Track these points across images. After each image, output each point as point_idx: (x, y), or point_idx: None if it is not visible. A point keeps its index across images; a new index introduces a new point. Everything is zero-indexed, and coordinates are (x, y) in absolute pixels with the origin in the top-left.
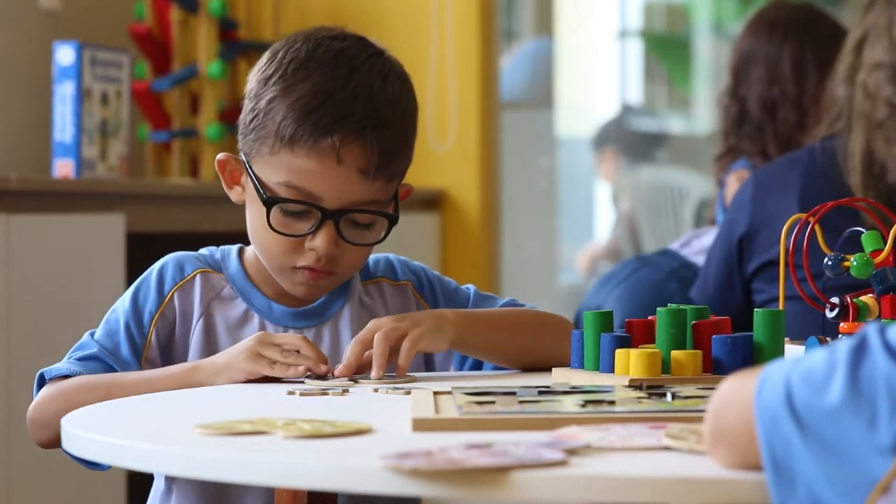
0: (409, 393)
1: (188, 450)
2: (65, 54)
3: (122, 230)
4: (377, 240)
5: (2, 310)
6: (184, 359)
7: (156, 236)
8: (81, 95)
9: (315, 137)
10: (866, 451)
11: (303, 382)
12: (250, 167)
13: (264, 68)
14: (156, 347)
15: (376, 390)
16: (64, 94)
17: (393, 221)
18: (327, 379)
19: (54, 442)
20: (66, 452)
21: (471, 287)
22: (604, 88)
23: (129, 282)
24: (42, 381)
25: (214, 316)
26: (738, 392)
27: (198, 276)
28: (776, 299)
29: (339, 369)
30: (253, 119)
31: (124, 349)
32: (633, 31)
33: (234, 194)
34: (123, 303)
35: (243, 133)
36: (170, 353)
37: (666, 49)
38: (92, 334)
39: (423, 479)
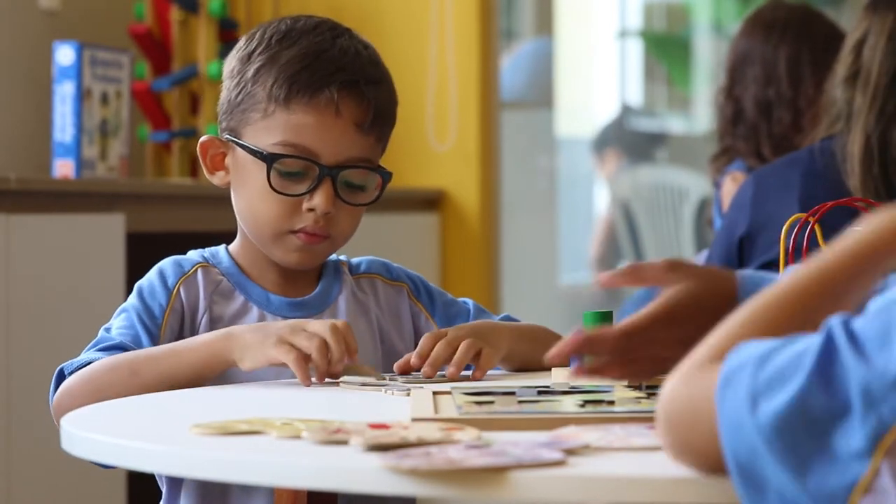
0: (409, 393)
1: (188, 450)
2: (65, 54)
3: (122, 230)
4: (370, 200)
5: (2, 310)
6: None
7: (156, 236)
8: (81, 95)
9: (312, 91)
10: (842, 453)
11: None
12: (240, 139)
13: (243, 48)
14: (168, 341)
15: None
16: (64, 93)
17: (387, 179)
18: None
19: None
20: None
21: (469, 301)
22: (604, 88)
23: (130, 282)
24: (61, 377)
25: (216, 310)
26: (698, 395)
27: (199, 270)
28: None
29: (424, 370)
30: (239, 93)
31: (144, 340)
32: (633, 31)
33: (216, 178)
34: (131, 301)
35: (227, 111)
36: None
37: (666, 49)
38: (107, 330)
39: (421, 478)
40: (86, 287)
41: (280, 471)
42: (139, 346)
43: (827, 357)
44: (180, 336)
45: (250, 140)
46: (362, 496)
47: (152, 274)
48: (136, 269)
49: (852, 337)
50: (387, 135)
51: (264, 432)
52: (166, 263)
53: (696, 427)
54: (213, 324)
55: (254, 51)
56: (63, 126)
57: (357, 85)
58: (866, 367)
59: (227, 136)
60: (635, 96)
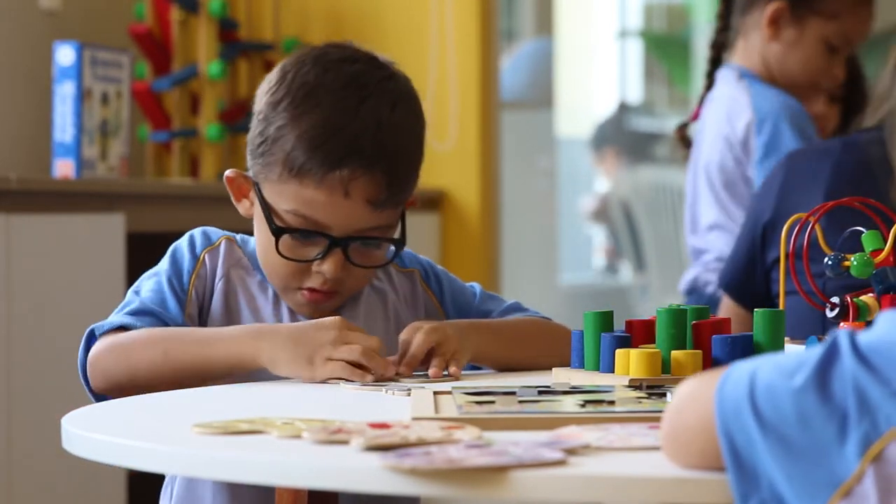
0: (409, 393)
1: (189, 449)
2: (65, 54)
3: (122, 230)
4: (383, 262)
5: (2, 310)
6: (212, 318)
7: (156, 236)
8: (81, 95)
9: (324, 171)
10: (832, 453)
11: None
12: (259, 190)
13: (274, 90)
14: (195, 303)
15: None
16: (64, 94)
17: (400, 246)
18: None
19: (111, 390)
20: None
21: (476, 285)
22: (604, 88)
23: (130, 282)
24: (91, 338)
25: (234, 280)
26: (697, 391)
27: (223, 242)
28: (793, 291)
29: (401, 368)
30: (262, 143)
31: (171, 303)
32: (633, 31)
33: (241, 207)
34: (162, 265)
35: (252, 153)
36: (202, 311)
37: (666, 49)
38: (136, 292)
39: (422, 478)
40: (86, 287)
41: (280, 470)
42: (165, 309)
43: (828, 360)
44: (204, 301)
45: (267, 195)
46: (364, 496)
47: (183, 240)
48: (136, 269)
49: (855, 345)
50: (406, 198)
51: (265, 432)
52: (196, 232)
53: (688, 415)
54: (227, 294)
55: (280, 100)
56: (63, 126)
57: (371, 166)
58: (867, 374)
59: (251, 177)
60: (635, 96)
